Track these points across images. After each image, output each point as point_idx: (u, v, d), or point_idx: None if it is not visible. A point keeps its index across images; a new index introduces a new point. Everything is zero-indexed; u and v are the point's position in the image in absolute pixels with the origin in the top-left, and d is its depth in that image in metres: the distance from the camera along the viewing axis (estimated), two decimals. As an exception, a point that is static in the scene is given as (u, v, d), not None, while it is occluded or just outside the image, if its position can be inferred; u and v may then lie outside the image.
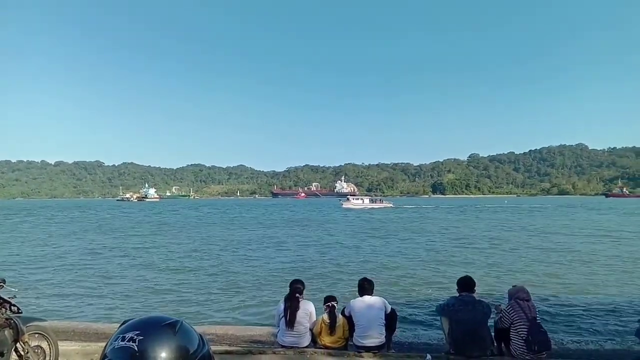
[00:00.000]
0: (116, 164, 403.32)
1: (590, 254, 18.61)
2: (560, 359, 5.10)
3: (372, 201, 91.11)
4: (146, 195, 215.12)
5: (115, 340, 1.39)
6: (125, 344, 1.36)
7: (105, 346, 1.42)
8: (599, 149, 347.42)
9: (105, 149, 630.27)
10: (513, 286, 5.57)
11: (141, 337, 1.37)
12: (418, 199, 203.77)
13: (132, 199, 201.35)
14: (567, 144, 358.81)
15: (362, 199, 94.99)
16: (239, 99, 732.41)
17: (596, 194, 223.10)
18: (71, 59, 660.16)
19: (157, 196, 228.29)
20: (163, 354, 1.36)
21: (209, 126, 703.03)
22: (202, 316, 9.79)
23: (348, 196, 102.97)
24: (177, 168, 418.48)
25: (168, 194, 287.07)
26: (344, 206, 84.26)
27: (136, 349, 1.34)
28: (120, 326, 1.47)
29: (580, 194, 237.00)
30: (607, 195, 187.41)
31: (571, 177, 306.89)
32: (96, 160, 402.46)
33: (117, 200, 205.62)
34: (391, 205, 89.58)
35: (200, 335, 1.53)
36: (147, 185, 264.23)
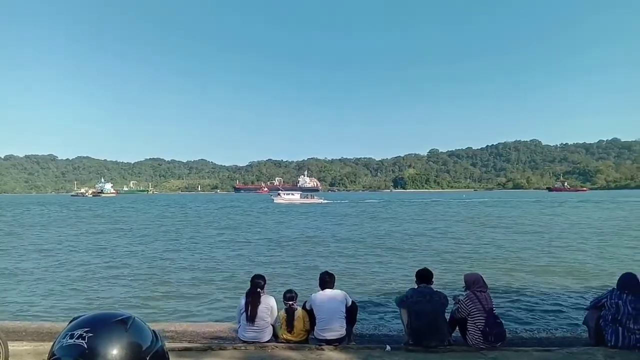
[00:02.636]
0: (70, 158, 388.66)
1: (538, 246, 19.41)
2: (514, 347, 5.28)
3: (303, 196, 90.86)
4: (102, 191, 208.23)
5: (64, 338, 1.35)
6: (74, 341, 1.32)
7: (53, 344, 1.38)
8: (551, 144, 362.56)
9: (59, 142, 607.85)
10: (469, 274, 5.73)
11: (91, 334, 1.33)
12: (379, 194, 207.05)
13: (87, 194, 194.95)
14: (522, 140, 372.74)
15: (293, 193, 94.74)
16: (199, 90, 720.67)
17: (538, 189, 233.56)
18: (17, 45, 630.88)
19: (114, 191, 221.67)
20: (114, 351, 1.32)
21: (168, 119, 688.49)
22: (161, 314, 9.60)
23: (279, 191, 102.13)
24: (135, 162, 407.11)
25: (125, 189, 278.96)
26: (275, 201, 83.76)
27: (85, 346, 1.31)
28: (69, 323, 1.43)
29: (534, 188, 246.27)
30: (549, 190, 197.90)
31: (525, 172, 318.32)
32: (49, 154, 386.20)
33: (72, 195, 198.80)
34: (322, 200, 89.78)
35: (154, 332, 1.51)
36: (103, 180, 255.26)
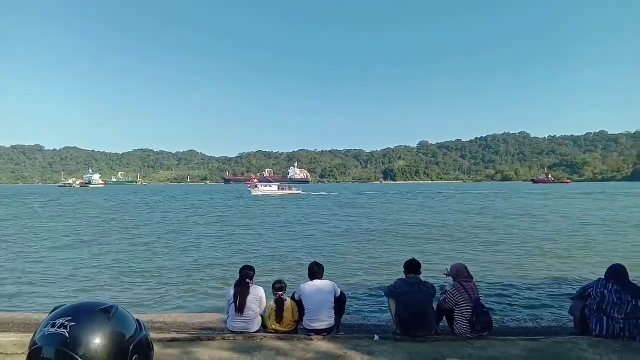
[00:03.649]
0: (57, 149, 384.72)
1: (525, 236, 19.62)
2: (501, 337, 5.34)
3: (280, 188, 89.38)
4: (90, 181, 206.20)
5: (45, 327, 1.33)
6: (56, 330, 1.30)
7: (35, 334, 1.35)
8: (540, 137, 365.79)
9: (46, 132, 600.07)
10: (453, 265, 5.78)
11: (73, 323, 1.31)
12: (368, 185, 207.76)
13: (75, 185, 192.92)
14: (511, 133, 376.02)
15: (270, 185, 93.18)
16: (189, 82, 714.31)
17: (526, 181, 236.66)
18: (5, 36, 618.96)
19: (102, 182, 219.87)
20: (97, 340, 1.30)
21: (157, 110, 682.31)
22: (150, 305, 9.56)
23: (257, 183, 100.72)
24: (124, 153, 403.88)
25: (114, 180, 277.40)
26: (252, 193, 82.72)
27: (67, 335, 1.29)
28: (50, 313, 1.40)
29: (522, 180, 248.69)
30: (534, 182, 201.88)
31: (514, 164, 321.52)
32: (36, 145, 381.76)
33: (59, 186, 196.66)
34: (300, 192, 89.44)
35: (138, 321, 1.49)
36: (91, 170, 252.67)
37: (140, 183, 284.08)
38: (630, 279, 5.19)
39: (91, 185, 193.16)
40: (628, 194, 67.09)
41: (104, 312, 1.38)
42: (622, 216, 29.86)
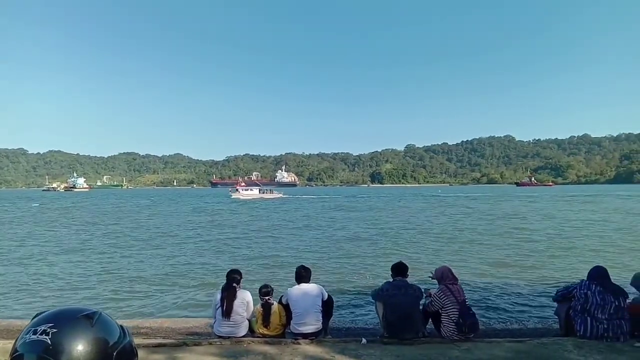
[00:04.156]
0: (41, 152, 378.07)
1: (509, 238, 19.81)
2: (487, 339, 5.38)
3: (261, 192, 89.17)
4: (74, 185, 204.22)
5: (27, 334, 1.31)
6: (38, 337, 1.28)
7: (16, 340, 1.33)
8: (525, 140, 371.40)
9: (29, 135, 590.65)
10: (438, 268, 5.82)
11: (55, 330, 1.29)
12: (355, 188, 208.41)
13: (59, 188, 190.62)
14: (496, 136, 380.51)
15: (251, 189, 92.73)
16: (175, 84, 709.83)
17: (511, 184, 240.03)
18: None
19: (87, 186, 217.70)
20: (79, 347, 1.29)
21: (143, 113, 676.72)
22: (135, 310, 9.45)
23: (237, 187, 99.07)
24: (109, 156, 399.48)
25: (99, 183, 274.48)
26: (233, 197, 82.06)
27: (49, 342, 1.27)
28: (32, 319, 1.38)
29: (507, 183, 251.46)
30: (518, 185, 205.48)
31: (499, 167, 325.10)
32: (19, 148, 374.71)
33: (43, 190, 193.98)
34: (281, 195, 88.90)
35: (122, 327, 1.47)
36: (75, 174, 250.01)
37: (125, 187, 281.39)
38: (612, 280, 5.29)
39: (76, 189, 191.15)
40: (611, 196, 68.26)
41: (86, 318, 1.37)
42: (603, 218, 30.33)
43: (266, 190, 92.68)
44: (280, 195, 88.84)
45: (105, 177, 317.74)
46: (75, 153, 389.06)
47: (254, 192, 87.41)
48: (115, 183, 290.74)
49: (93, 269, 13.92)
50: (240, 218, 35.31)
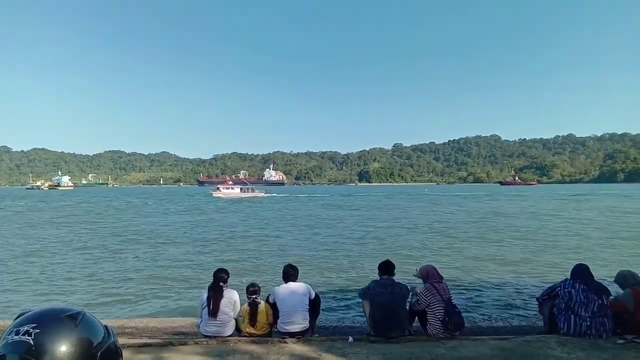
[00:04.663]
0: (25, 150, 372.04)
1: (493, 236, 20.02)
2: (472, 336, 5.43)
3: (243, 190, 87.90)
4: (59, 184, 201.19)
5: (9, 335, 1.29)
6: (20, 337, 1.26)
7: (-2, 341, 1.31)
8: (510, 140, 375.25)
9: (13, 133, 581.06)
10: (422, 267, 5.87)
11: (38, 330, 1.27)
12: (343, 187, 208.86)
13: (43, 187, 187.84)
14: (483, 135, 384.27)
15: (233, 188, 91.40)
16: (161, 82, 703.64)
17: (494, 183, 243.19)
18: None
19: (72, 184, 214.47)
20: (62, 348, 1.27)
21: (129, 110, 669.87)
22: (121, 310, 9.36)
23: (218, 185, 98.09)
24: (94, 154, 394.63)
25: (84, 182, 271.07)
26: (214, 195, 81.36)
27: (32, 342, 1.25)
28: (15, 319, 1.36)
29: (493, 182, 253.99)
30: (502, 184, 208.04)
31: (485, 166, 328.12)
32: (3, 146, 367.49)
33: (27, 188, 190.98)
34: (263, 194, 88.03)
35: (106, 327, 1.45)
36: (60, 172, 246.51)
37: (111, 185, 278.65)
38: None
39: (60, 188, 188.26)
40: (595, 195, 69.34)
41: (70, 319, 1.35)
42: (586, 216, 30.80)
43: (248, 189, 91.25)
44: (262, 194, 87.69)
45: (90, 175, 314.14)
46: (60, 151, 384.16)
47: (236, 191, 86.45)
48: (100, 181, 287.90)
49: (77, 268, 13.76)
50: (225, 217, 35.18)
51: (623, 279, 5.52)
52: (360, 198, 73.33)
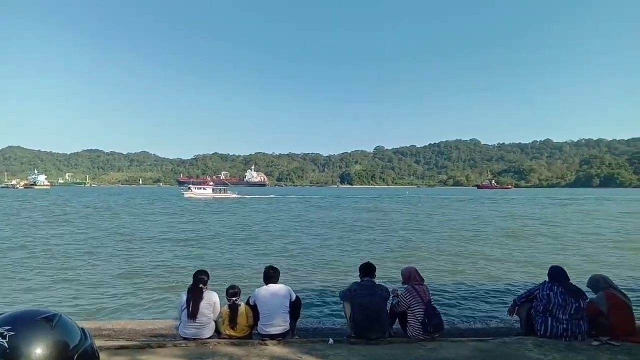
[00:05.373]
0: (0, 148, 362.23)
1: (472, 239, 20.31)
2: (451, 338, 5.49)
3: (215, 191, 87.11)
4: (35, 182, 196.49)
5: (-17, 337, 1.26)
6: (-6, 340, 1.23)
7: (-29, 344, 1.28)
8: (490, 144, 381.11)
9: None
10: (404, 269, 5.92)
11: (12, 333, 1.24)
12: (325, 189, 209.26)
13: (18, 186, 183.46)
14: (463, 139, 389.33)
15: (205, 188, 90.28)
16: (141, 80, 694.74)
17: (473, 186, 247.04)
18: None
19: (48, 183, 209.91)
20: (38, 350, 1.25)
21: (107, 109, 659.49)
22: (98, 312, 9.20)
23: (190, 185, 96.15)
24: (71, 153, 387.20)
25: (61, 181, 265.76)
26: (185, 196, 79.78)
27: (6, 345, 1.22)
28: (-11, 322, 1.33)
29: (472, 185, 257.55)
30: (478, 187, 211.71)
31: (465, 170, 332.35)
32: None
33: (2, 187, 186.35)
34: (236, 195, 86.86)
35: (83, 329, 1.43)
36: (36, 171, 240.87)
37: (89, 185, 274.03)
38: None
39: (36, 187, 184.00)
40: (571, 199, 70.84)
41: (46, 321, 1.32)
42: (560, 220, 31.45)
43: (220, 190, 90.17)
44: (235, 195, 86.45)
45: (67, 174, 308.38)
46: (36, 149, 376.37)
47: (207, 192, 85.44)
48: (78, 181, 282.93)
49: (54, 269, 13.48)
50: (197, 218, 34.89)
51: (595, 282, 5.65)
52: (343, 200, 73.45)
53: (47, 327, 1.31)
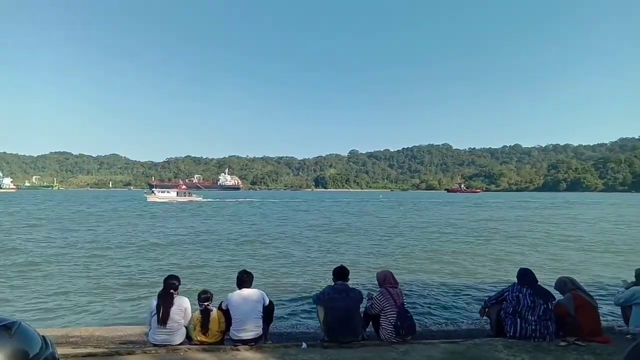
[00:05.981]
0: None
1: (444, 243, 20.62)
2: (423, 340, 5.54)
3: (179, 195, 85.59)
4: (0, 186, 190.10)
5: (-64, 347, 1.20)
6: (-52, 350, 1.18)
7: None
8: (461, 149, 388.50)
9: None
10: (380, 272, 5.97)
11: (-32, 342, 1.19)
12: (300, 193, 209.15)
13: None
14: (435, 144, 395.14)
15: (169, 191, 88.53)
16: (112, 80, 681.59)
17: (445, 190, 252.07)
18: None
19: (14, 187, 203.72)
20: (-5, 360, 1.20)
21: (76, 110, 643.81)
22: (64, 319, 8.93)
23: (153, 189, 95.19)
24: (38, 155, 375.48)
25: (27, 184, 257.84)
26: (148, 199, 78.56)
27: (-38, 354, 1.17)
28: (-57, 331, 1.27)
29: (444, 189, 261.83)
30: (448, 191, 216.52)
31: (437, 174, 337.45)
32: None
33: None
34: (201, 198, 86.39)
35: (44, 337, 1.38)
36: (1, 173, 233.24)
37: (57, 188, 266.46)
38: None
39: (1, 190, 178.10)
40: (536, 203, 72.72)
41: (4, 329, 1.27)
42: (528, 223, 32.26)
43: (185, 193, 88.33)
44: (200, 198, 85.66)
45: (34, 177, 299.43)
46: (1, 151, 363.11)
47: (172, 195, 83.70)
48: (45, 184, 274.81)
49: (15, 276, 13.03)
50: (157, 223, 34.40)
51: (563, 284, 5.80)
52: (315, 202, 73.46)
53: (5, 336, 1.26)
